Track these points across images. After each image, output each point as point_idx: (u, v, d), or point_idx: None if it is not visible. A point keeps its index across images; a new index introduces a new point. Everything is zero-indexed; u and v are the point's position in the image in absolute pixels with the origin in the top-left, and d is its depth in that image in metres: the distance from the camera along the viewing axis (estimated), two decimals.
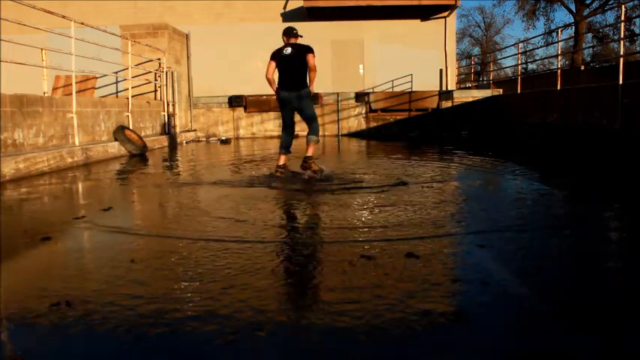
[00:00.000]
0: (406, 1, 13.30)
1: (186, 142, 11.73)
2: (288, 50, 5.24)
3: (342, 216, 3.51)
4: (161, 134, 10.79)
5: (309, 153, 5.29)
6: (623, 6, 7.76)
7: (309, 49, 5.20)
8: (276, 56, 5.27)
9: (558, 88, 8.96)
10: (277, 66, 5.26)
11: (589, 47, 28.24)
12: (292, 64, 5.19)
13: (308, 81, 5.26)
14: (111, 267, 2.49)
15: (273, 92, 5.41)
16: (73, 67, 7.33)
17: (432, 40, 14.10)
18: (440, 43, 14.15)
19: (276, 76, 5.34)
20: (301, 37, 5.42)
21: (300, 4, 13.25)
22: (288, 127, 5.52)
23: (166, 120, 11.27)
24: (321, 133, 5.87)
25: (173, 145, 10.73)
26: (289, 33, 5.35)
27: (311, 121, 5.39)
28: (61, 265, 2.59)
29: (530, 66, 29.12)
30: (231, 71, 13.80)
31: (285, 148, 5.44)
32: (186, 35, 12.89)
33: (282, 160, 5.39)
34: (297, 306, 2.02)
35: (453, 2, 13.42)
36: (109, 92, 11.81)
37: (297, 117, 5.49)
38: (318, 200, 4.28)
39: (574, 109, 8.23)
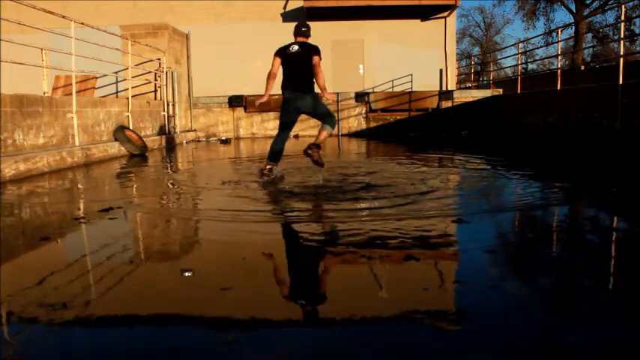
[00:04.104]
0: (406, 1, 13.31)
1: (186, 142, 11.73)
2: (295, 48, 4.92)
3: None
4: (161, 134, 10.79)
5: (318, 140, 5.00)
6: (623, 6, 7.77)
7: (316, 50, 4.87)
8: (282, 53, 4.96)
9: (558, 88, 8.95)
10: (283, 64, 4.95)
11: (589, 47, 28.26)
12: (299, 64, 4.88)
13: (316, 85, 4.95)
14: (110, 267, 2.49)
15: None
16: (73, 67, 7.33)
17: (432, 40, 14.10)
18: (440, 43, 14.15)
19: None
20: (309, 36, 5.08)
21: (300, 4, 13.25)
22: (285, 130, 5.17)
23: (166, 120, 11.27)
24: None
25: (173, 145, 10.73)
26: (297, 30, 5.04)
27: (326, 116, 5.09)
28: (60, 266, 2.59)
29: (530, 66, 29.16)
30: (231, 71, 13.79)
31: (275, 157, 5.10)
32: (186, 35, 12.88)
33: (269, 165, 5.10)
34: (297, 303, 2.02)
35: (453, 2, 13.43)
36: (109, 92, 11.81)
37: (302, 118, 5.24)
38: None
39: (574, 109, 8.22)
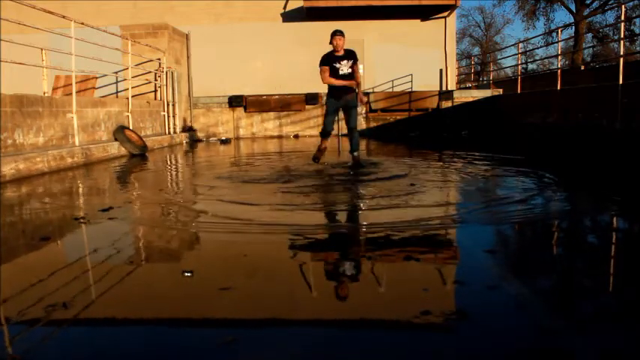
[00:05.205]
0: (406, 1, 13.31)
1: (187, 142, 11.73)
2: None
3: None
4: (161, 134, 10.79)
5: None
6: (623, 6, 7.76)
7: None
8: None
9: (558, 88, 8.95)
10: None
11: (589, 47, 28.26)
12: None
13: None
14: (110, 267, 2.48)
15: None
16: (73, 67, 7.33)
17: (432, 40, 14.10)
18: (440, 43, 14.15)
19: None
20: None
21: (300, 4, 13.24)
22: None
23: (166, 120, 11.27)
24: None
25: (173, 145, 10.72)
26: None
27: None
28: (60, 266, 2.59)
29: (530, 66, 29.16)
30: (231, 71, 13.79)
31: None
32: (186, 35, 12.89)
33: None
34: (293, 304, 2.02)
35: (453, 2, 13.43)
36: (109, 92, 11.81)
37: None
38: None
39: (574, 109, 8.22)
